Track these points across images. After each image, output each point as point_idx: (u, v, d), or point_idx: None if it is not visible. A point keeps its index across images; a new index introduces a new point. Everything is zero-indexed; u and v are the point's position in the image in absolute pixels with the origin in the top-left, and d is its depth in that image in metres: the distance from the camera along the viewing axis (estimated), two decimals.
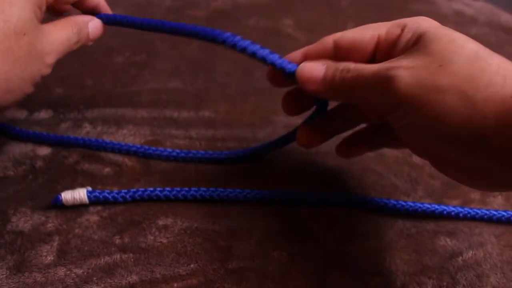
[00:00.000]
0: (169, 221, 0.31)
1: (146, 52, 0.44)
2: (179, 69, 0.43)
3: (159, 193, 0.31)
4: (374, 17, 0.51)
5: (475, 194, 0.33)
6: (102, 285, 0.27)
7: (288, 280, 0.28)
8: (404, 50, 0.22)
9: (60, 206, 0.31)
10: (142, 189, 0.31)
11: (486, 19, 0.51)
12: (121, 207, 0.31)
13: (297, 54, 0.26)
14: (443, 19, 0.51)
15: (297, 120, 0.38)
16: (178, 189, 0.31)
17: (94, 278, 0.27)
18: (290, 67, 0.25)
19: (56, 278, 0.27)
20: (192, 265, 0.28)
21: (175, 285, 0.27)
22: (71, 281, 0.27)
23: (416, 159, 0.35)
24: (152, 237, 0.30)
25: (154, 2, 0.51)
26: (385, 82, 0.21)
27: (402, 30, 0.23)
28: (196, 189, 0.31)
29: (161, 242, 0.30)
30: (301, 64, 0.25)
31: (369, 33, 0.24)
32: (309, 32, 0.48)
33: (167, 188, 0.31)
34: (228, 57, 0.44)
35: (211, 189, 0.31)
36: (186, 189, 0.31)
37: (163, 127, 0.38)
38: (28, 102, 0.39)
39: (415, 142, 0.24)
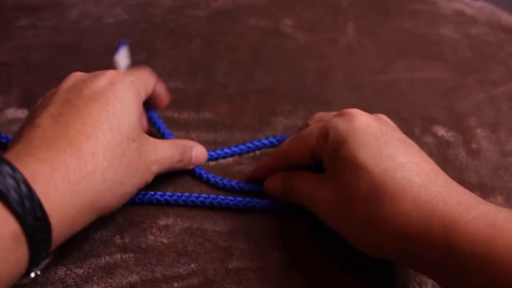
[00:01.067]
0: (169, 221, 0.31)
1: (146, 52, 0.44)
2: (179, 69, 0.43)
3: (159, 197, 0.31)
4: (374, 17, 0.51)
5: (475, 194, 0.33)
6: (103, 285, 0.27)
7: (288, 280, 0.28)
8: (331, 153, 0.28)
9: None
10: (143, 193, 0.31)
11: (486, 19, 0.51)
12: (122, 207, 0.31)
13: (262, 167, 0.33)
14: (443, 19, 0.51)
15: (296, 121, 0.38)
16: (179, 194, 0.31)
17: (95, 278, 0.27)
18: (259, 188, 0.33)
19: (56, 277, 0.27)
20: (192, 265, 0.28)
21: (176, 285, 0.27)
22: (72, 280, 0.27)
23: None
24: (152, 237, 0.30)
25: (154, 2, 0.51)
26: (313, 205, 0.29)
27: (326, 140, 0.28)
28: (197, 195, 0.31)
29: (161, 242, 0.30)
30: (265, 183, 0.32)
31: (305, 147, 0.29)
32: (309, 32, 0.48)
33: (168, 193, 0.31)
34: (228, 57, 0.44)
35: (212, 196, 0.31)
36: (187, 194, 0.31)
37: None
38: (29, 101, 0.39)
39: None
